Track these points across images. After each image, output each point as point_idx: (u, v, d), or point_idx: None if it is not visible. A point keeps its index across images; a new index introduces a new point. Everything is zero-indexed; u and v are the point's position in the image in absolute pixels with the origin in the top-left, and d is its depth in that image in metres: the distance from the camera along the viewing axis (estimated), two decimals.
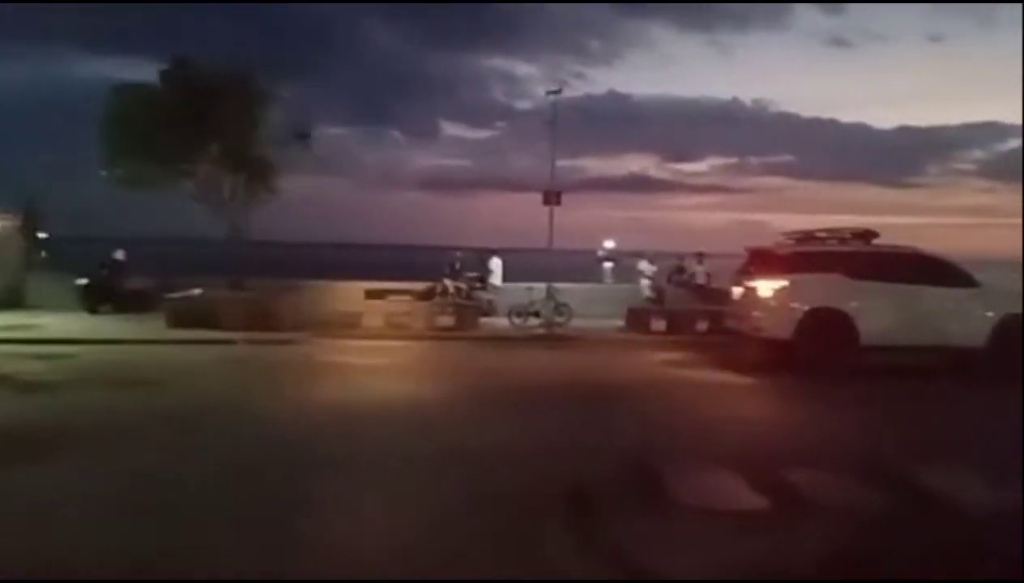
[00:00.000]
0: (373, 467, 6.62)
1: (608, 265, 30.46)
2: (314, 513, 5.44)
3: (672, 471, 6.45)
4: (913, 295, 12.44)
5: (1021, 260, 20.51)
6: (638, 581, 4.63)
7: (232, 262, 18.64)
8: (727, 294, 16.69)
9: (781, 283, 12.44)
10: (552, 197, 17.75)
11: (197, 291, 17.31)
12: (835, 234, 13.40)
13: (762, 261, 13.17)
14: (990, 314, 12.38)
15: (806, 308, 12.28)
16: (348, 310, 17.46)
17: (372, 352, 14.24)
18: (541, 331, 17.17)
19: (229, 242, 18.75)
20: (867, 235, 13.14)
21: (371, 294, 18.06)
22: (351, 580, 4.44)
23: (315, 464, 6.64)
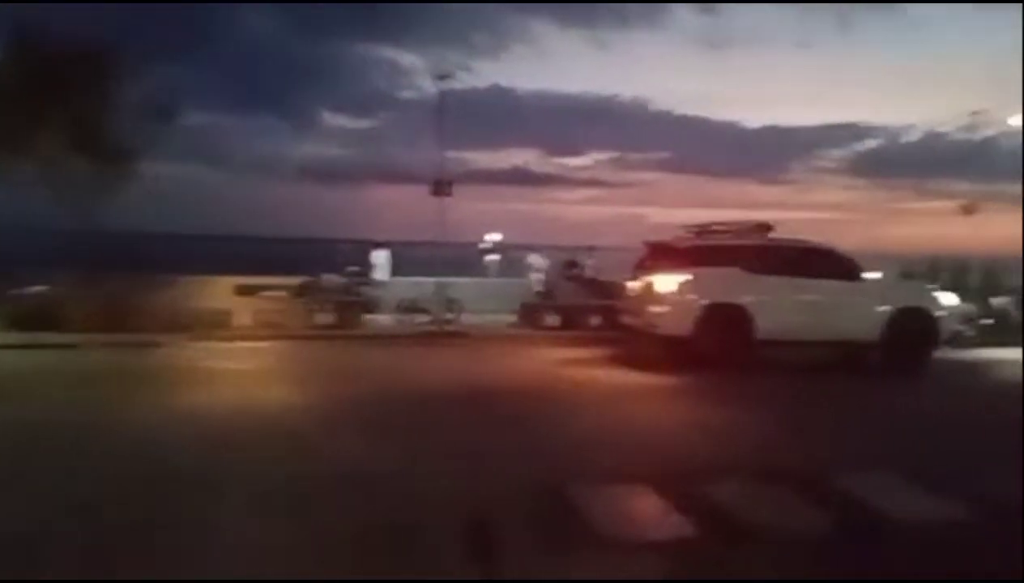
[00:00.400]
0: (240, 497, 5.53)
1: (492, 258, 29.87)
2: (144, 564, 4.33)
3: (584, 494, 5.67)
4: (809, 289, 12.24)
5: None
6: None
7: (85, 256, 16.70)
8: (619, 288, 16.29)
9: (680, 278, 11.98)
10: (442, 187, 16.77)
11: (40, 288, 15.40)
12: (732, 228, 13.08)
13: (660, 255, 12.69)
14: (884, 308, 12.33)
15: (705, 303, 11.87)
16: (216, 308, 15.95)
17: (240, 355, 12.91)
18: (430, 328, 16.22)
19: (80, 233, 16.78)
20: (763, 229, 12.87)
21: (242, 290, 16.48)
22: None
23: (163, 497, 5.49)
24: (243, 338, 14.65)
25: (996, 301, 15.44)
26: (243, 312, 15.83)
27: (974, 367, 13.18)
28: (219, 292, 16.45)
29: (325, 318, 16.02)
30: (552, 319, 16.62)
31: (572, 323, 16.48)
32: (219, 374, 11.02)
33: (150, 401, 9.01)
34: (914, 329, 12.31)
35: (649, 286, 12.32)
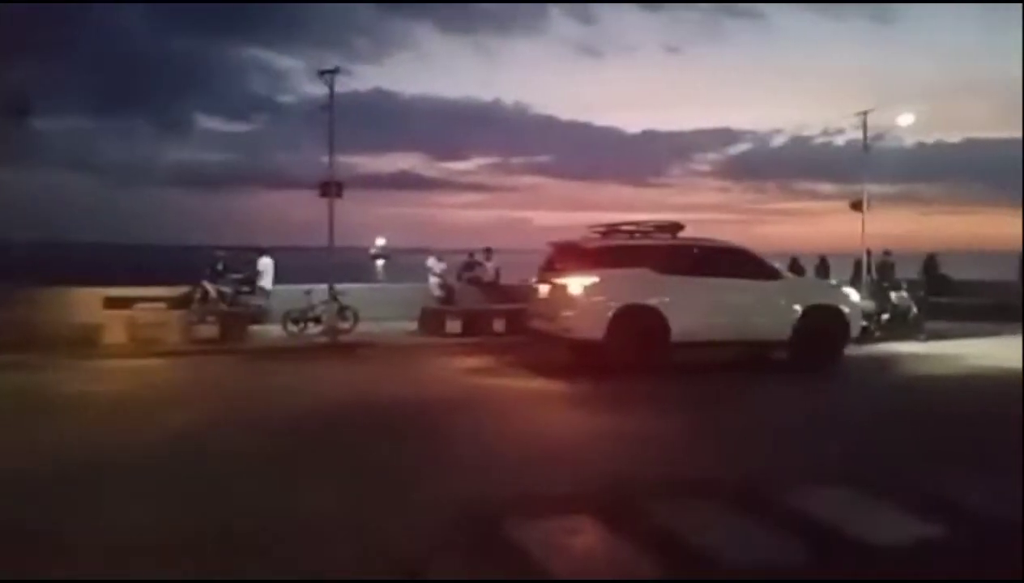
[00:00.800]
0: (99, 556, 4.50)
1: (380, 262, 28.98)
2: None
3: (521, 526, 4.95)
4: (721, 289, 11.95)
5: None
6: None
7: None
8: (527, 291, 15.76)
9: (591, 279, 11.45)
10: (331, 189, 15.66)
11: None
12: (641, 227, 12.67)
13: (569, 256, 12.13)
14: (796, 306, 12.18)
15: (618, 305, 11.38)
16: (84, 322, 14.37)
17: (107, 375, 11.54)
18: (323, 339, 15.14)
19: None
20: (673, 228, 12.52)
21: (113, 302, 14.83)
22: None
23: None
24: (115, 355, 13.19)
25: (895, 296, 15.71)
26: (116, 327, 14.28)
27: (883, 363, 13.23)
28: (87, 305, 14.84)
29: (208, 331, 14.69)
30: (454, 325, 15.85)
31: (475, 328, 15.75)
32: (76, 399, 9.70)
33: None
34: (825, 327, 12.22)
35: (560, 289, 11.73)
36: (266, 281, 16.85)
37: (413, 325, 16.69)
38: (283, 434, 7.83)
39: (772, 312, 12.15)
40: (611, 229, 12.81)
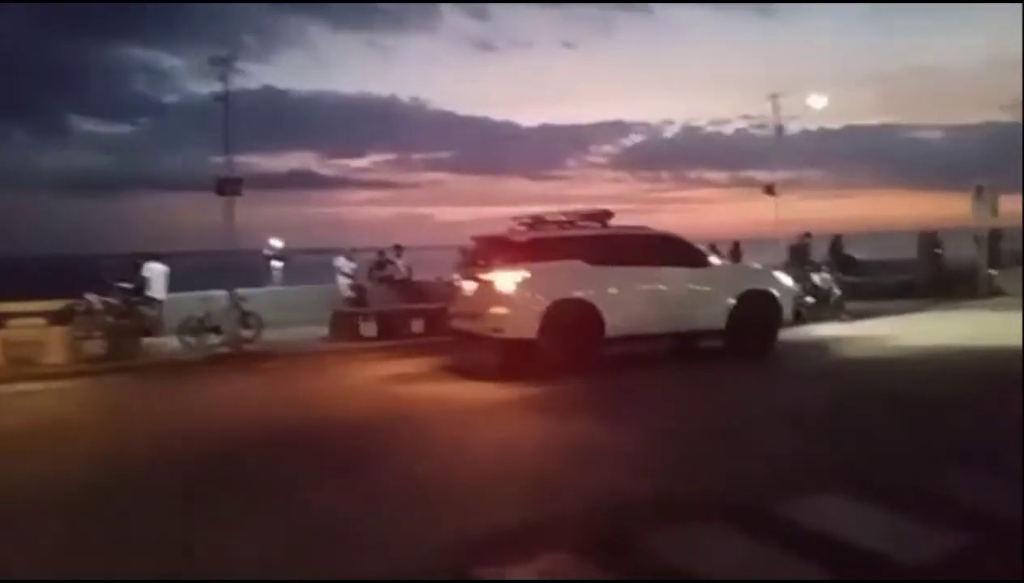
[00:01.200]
0: None
1: (277, 264, 27.57)
2: None
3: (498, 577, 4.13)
4: (655, 278, 11.41)
5: None
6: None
7: None
8: (437, 289, 14.96)
9: (522, 274, 10.68)
10: (230, 185, 14.29)
11: None
12: (569, 217, 11.98)
13: (494, 250, 11.32)
14: (729, 293, 11.74)
15: (551, 301, 10.66)
16: None
17: None
18: (225, 350, 13.85)
19: None
20: (602, 216, 11.89)
21: None
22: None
23: None
24: None
25: (817, 278, 15.63)
26: None
27: (813, 347, 12.97)
28: None
29: (94, 348, 13.18)
30: (369, 328, 14.81)
31: (393, 331, 14.76)
32: None
33: None
34: (760, 313, 11.84)
35: (488, 285, 10.91)
36: (157, 289, 15.33)
37: (323, 330, 15.55)
38: (171, 480, 6.47)
39: (707, 301, 11.69)
40: (537, 220, 12.08)
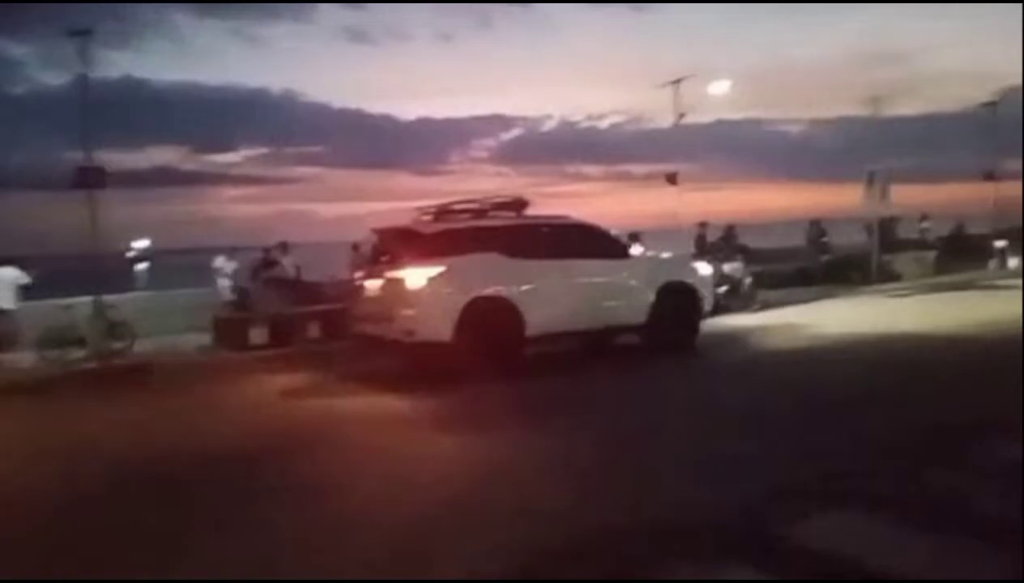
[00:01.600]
0: None
1: (142, 266, 25.42)
2: None
3: None
4: (576, 271, 10.62)
5: None
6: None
7: None
8: (332, 288, 13.80)
9: (436, 269, 9.65)
10: (90, 178, 12.51)
11: None
12: (482, 205, 11.02)
13: (403, 244, 10.21)
14: (652, 285, 11.08)
15: (467, 298, 9.69)
16: None
17: None
18: (91, 365, 12.15)
19: None
20: (518, 205, 11.00)
21: None
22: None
23: None
24: None
25: (728, 267, 15.30)
26: None
27: (732, 339, 12.52)
28: None
29: None
30: (259, 334, 13.38)
31: (286, 337, 13.40)
32: None
33: None
34: (681, 305, 11.26)
35: (396, 283, 9.81)
36: (4, 298, 13.34)
37: (206, 338, 14.01)
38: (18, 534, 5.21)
39: (628, 294, 11.00)
40: (443, 210, 11.05)
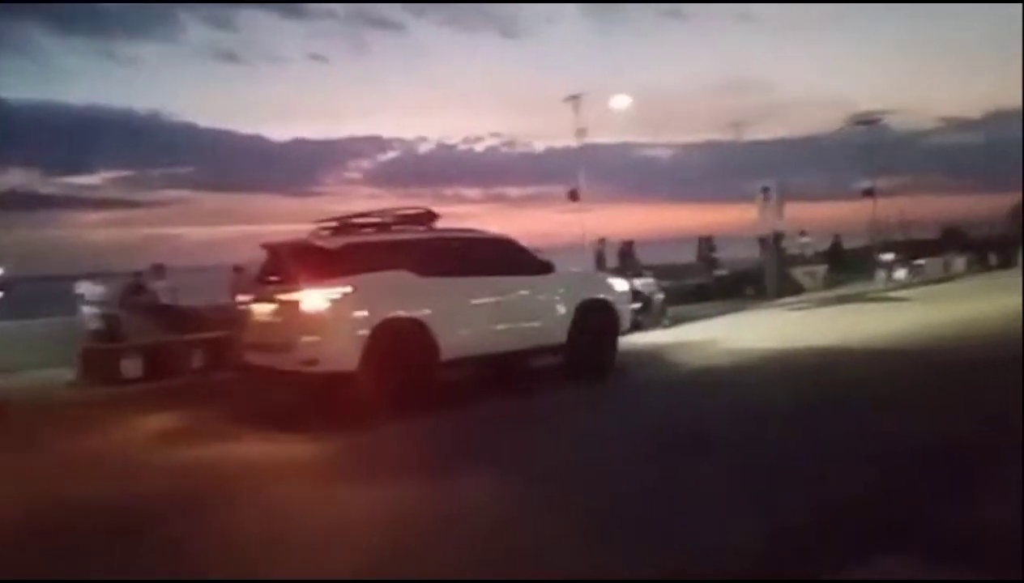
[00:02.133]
0: None
1: None
2: None
3: None
4: (494, 290, 9.78)
5: None
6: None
7: None
8: (214, 314, 12.55)
9: (340, 290, 8.59)
10: None
11: None
12: (387, 218, 10.02)
13: (299, 261, 9.08)
14: (571, 303, 10.36)
15: (376, 322, 8.67)
16: None
17: None
18: None
19: None
20: (427, 218, 10.08)
21: None
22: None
23: None
24: None
25: (640, 283, 14.84)
26: None
27: (651, 357, 12.00)
28: None
29: None
30: (133, 367, 11.86)
31: (164, 368, 11.94)
32: None
33: None
34: (602, 323, 10.62)
35: (292, 306, 8.68)
36: None
37: (70, 372, 12.33)
38: None
39: (548, 312, 10.25)
40: (344, 223, 9.98)
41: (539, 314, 10.15)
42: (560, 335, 10.27)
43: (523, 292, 10.01)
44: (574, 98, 19.67)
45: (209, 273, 16.78)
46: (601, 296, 10.90)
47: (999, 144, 65.53)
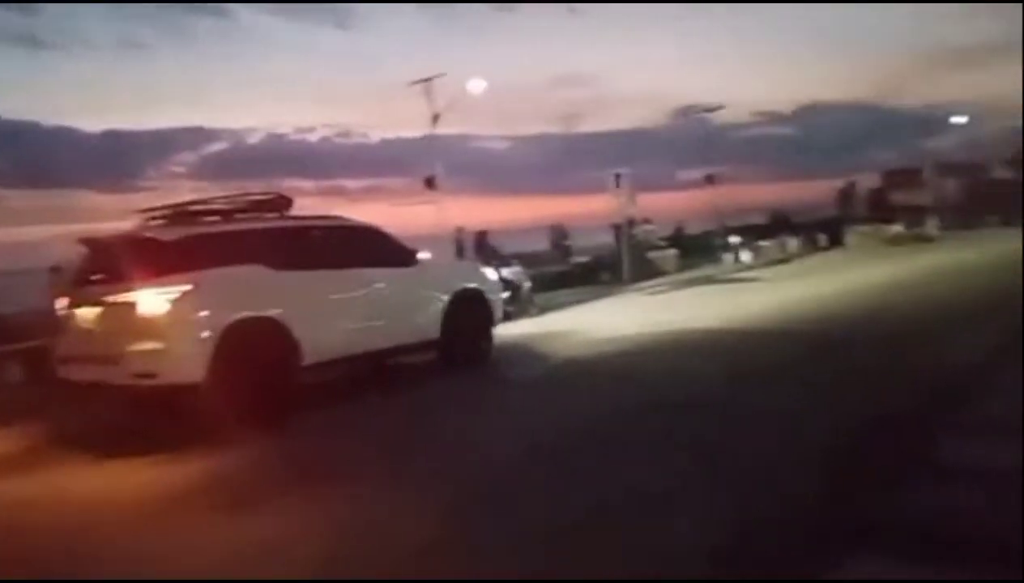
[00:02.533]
0: None
1: None
2: None
3: None
4: (360, 283, 8.78)
5: None
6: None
7: None
8: (30, 321, 11.02)
9: (181, 287, 7.31)
10: None
11: None
12: (233, 204, 8.74)
13: (129, 257, 7.67)
14: (444, 294, 9.56)
15: (225, 323, 7.46)
16: None
17: None
18: None
19: None
20: (280, 204, 8.89)
21: None
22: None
23: None
24: None
25: (507, 272, 14.17)
26: None
27: (524, 349, 11.33)
28: None
29: None
30: None
31: None
32: None
33: None
34: (476, 314, 9.90)
35: (124, 309, 7.31)
36: None
37: None
38: None
39: (420, 306, 9.39)
40: (179, 211, 8.62)
41: (411, 308, 9.27)
42: (434, 329, 9.44)
43: (392, 285, 9.06)
44: (425, 81, 18.88)
45: (23, 276, 14.87)
46: (474, 286, 10.16)
47: (811, 136, 71.24)
